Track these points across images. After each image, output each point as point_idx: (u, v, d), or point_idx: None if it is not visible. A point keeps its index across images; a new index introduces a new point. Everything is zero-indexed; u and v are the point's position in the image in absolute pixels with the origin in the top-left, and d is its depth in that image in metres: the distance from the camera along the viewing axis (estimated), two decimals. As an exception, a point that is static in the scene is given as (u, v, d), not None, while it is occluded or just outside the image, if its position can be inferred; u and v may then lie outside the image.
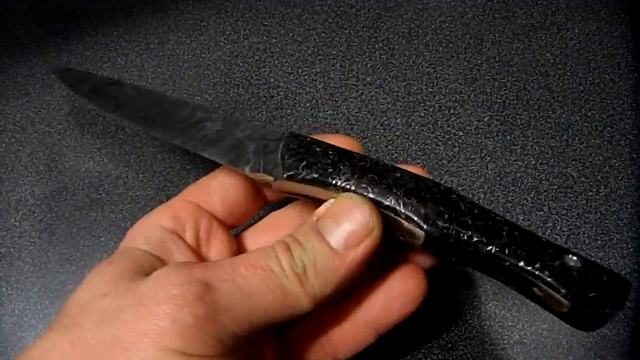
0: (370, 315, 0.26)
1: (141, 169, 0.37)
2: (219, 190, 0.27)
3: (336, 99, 0.38)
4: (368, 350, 0.29)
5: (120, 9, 0.42)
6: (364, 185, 0.23)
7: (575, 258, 0.22)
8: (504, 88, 0.38)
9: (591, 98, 0.38)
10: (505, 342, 0.32)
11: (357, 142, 0.27)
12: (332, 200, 0.24)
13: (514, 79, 0.39)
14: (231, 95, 0.39)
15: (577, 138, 0.37)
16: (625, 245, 0.34)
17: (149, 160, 0.37)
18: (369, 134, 0.37)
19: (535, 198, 0.35)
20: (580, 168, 0.36)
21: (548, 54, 0.39)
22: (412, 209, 0.23)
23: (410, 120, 0.38)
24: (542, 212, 0.35)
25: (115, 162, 0.38)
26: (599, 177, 0.36)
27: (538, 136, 0.37)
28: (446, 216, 0.23)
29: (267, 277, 0.21)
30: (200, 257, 0.26)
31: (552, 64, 0.39)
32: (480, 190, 0.36)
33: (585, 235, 0.34)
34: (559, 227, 0.35)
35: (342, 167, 0.24)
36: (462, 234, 0.22)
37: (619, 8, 0.41)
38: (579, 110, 0.38)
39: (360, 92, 0.39)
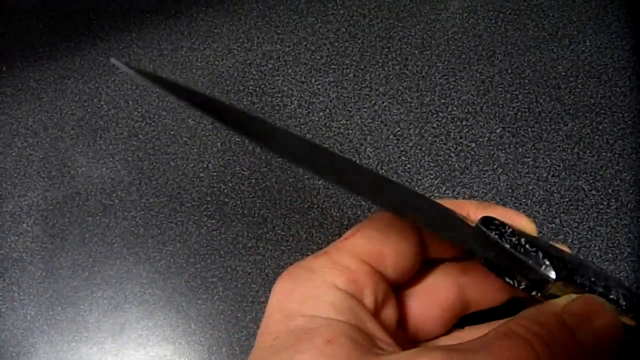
0: None
1: (154, 175, 0.37)
2: (395, 253, 0.24)
3: (349, 108, 0.39)
4: None
5: (133, 14, 0.42)
6: (593, 279, 0.23)
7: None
8: (516, 100, 0.39)
9: (602, 111, 0.38)
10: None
11: (534, 229, 0.25)
12: (573, 296, 0.22)
13: (525, 91, 0.39)
14: (244, 103, 0.39)
15: (588, 151, 0.37)
16: (636, 258, 0.34)
17: (162, 167, 0.38)
18: (382, 145, 0.37)
19: (547, 211, 0.36)
20: (592, 181, 0.36)
21: (560, 67, 0.40)
22: (627, 300, 0.23)
23: (423, 131, 0.38)
24: (553, 225, 0.35)
25: (128, 168, 0.38)
26: (610, 190, 0.36)
27: (550, 149, 0.37)
28: None
29: None
30: (380, 324, 0.23)
31: (563, 77, 0.39)
32: (492, 202, 0.36)
33: (597, 248, 0.35)
34: (570, 240, 0.35)
35: (569, 261, 0.23)
36: None
37: (631, 21, 0.41)
38: (591, 123, 0.38)
39: (373, 102, 0.39)
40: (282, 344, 0.20)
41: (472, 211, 0.24)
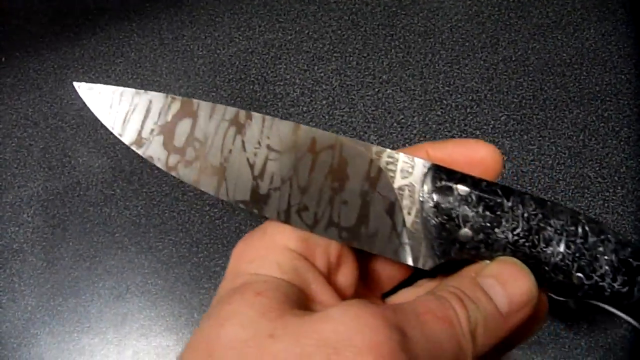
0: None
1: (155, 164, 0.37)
2: None
3: (352, 96, 0.38)
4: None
5: (134, 3, 0.42)
6: (519, 256, 0.23)
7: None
8: (521, 87, 0.38)
9: (607, 98, 0.38)
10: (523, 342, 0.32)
11: (498, 154, 0.25)
12: (487, 262, 0.23)
13: (530, 78, 0.38)
14: (247, 91, 0.39)
15: (593, 138, 0.37)
16: (643, 246, 0.34)
17: (163, 157, 0.37)
18: (386, 132, 0.37)
19: (552, 198, 0.35)
20: (597, 168, 0.36)
21: (564, 54, 0.39)
22: (555, 282, 0.23)
23: (427, 119, 0.37)
24: (559, 212, 0.35)
25: (129, 157, 0.37)
26: (615, 177, 0.36)
27: (555, 136, 0.37)
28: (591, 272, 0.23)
29: (449, 329, 0.20)
30: (332, 285, 0.23)
31: (568, 64, 0.39)
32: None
33: (603, 235, 0.34)
34: (576, 228, 0.35)
35: (496, 234, 0.23)
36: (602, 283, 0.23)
37: (636, 8, 0.41)
38: (596, 111, 0.37)
39: (376, 90, 0.38)
40: (222, 298, 0.21)
41: (430, 151, 0.25)
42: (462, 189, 0.23)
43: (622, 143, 0.37)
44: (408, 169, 0.23)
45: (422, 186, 0.23)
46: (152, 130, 0.23)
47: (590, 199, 0.35)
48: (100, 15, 0.42)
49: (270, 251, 0.22)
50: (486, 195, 0.23)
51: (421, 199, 0.23)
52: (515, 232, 0.22)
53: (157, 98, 0.23)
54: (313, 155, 0.23)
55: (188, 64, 0.40)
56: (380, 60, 0.39)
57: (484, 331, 0.21)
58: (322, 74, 0.39)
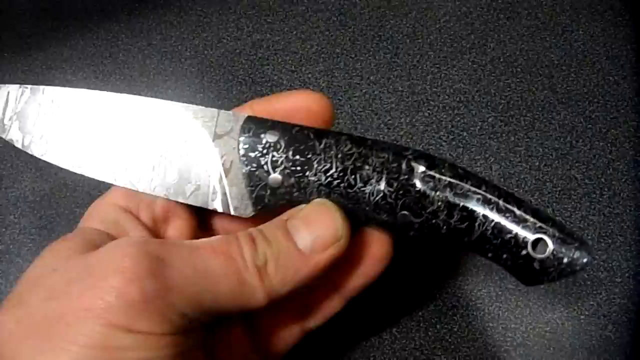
0: (337, 281, 0.26)
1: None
2: None
3: (340, 97, 0.38)
4: (371, 349, 0.28)
5: (122, 4, 0.42)
6: (335, 197, 0.24)
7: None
8: (509, 89, 0.38)
9: (595, 100, 0.38)
10: (508, 344, 0.32)
11: (323, 100, 0.26)
12: (303, 205, 0.24)
13: (518, 79, 0.38)
14: (234, 92, 0.39)
15: (581, 140, 0.37)
16: (628, 247, 0.34)
17: (150, 158, 0.37)
18: (373, 134, 0.37)
19: (539, 200, 0.35)
20: (584, 170, 0.36)
21: (552, 55, 0.39)
22: (381, 221, 0.23)
23: (414, 120, 0.37)
24: (545, 214, 0.35)
25: (116, 159, 0.37)
26: (602, 179, 0.36)
27: (542, 138, 0.37)
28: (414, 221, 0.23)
29: (225, 262, 0.21)
30: (157, 236, 0.25)
31: (556, 65, 0.39)
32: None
33: (589, 237, 0.34)
34: (562, 229, 0.35)
35: (307, 177, 0.23)
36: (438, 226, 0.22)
37: (624, 10, 0.41)
38: (583, 112, 0.37)
39: (364, 91, 0.38)
40: None
41: (255, 107, 0.26)
42: (270, 135, 0.24)
43: (609, 145, 0.37)
44: (226, 125, 0.24)
45: (238, 138, 0.24)
46: (11, 117, 0.27)
47: (577, 200, 0.35)
48: (88, 15, 0.42)
49: (101, 208, 0.25)
50: (296, 139, 0.23)
51: (236, 150, 0.24)
52: (328, 174, 0.23)
53: (12, 89, 0.27)
54: (140, 121, 0.25)
55: (176, 64, 0.40)
56: (368, 61, 0.39)
57: (278, 268, 0.22)
58: (309, 75, 0.39)
